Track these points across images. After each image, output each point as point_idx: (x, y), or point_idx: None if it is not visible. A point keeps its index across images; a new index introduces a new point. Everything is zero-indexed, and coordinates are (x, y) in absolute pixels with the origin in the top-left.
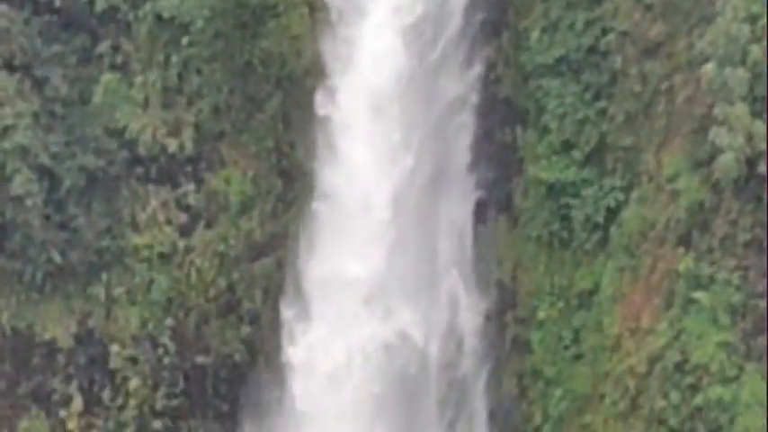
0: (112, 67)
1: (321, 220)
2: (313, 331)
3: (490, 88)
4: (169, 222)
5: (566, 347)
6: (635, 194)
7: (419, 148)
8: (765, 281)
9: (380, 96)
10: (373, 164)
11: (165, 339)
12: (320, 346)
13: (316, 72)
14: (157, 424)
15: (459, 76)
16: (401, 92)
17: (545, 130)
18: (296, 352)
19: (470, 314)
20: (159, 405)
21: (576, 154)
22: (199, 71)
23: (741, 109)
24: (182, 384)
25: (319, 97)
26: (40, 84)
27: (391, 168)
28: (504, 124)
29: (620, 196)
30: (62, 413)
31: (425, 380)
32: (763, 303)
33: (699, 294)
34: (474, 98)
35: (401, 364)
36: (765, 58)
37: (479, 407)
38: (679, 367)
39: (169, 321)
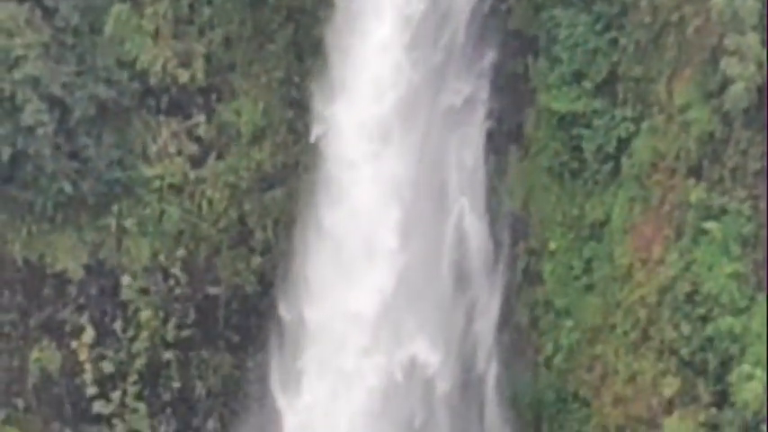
0: None
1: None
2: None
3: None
4: (180, 153)
5: (576, 278)
6: (646, 125)
7: None
8: None
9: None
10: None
11: (177, 270)
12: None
13: (326, 3)
14: (168, 355)
15: None
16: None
17: (556, 61)
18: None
19: (481, 245)
20: (170, 336)
21: (588, 84)
22: (209, 2)
23: (752, 39)
24: (193, 315)
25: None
26: (50, 14)
27: None
28: (515, 55)
29: (631, 127)
30: (73, 344)
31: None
32: None
33: (709, 225)
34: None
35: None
36: None
37: (491, 339)
38: (690, 298)
39: (180, 252)
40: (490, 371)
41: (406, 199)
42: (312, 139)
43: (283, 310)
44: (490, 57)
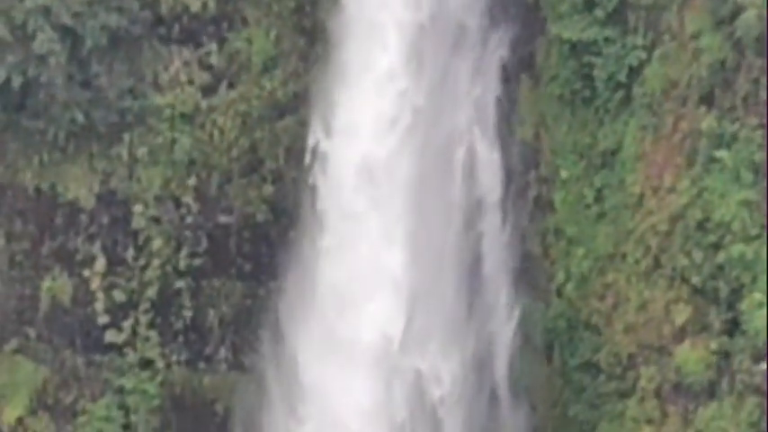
0: None
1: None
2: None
3: None
4: (191, 82)
5: (588, 206)
6: (657, 53)
7: None
8: None
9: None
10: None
11: (188, 199)
12: None
13: None
14: (180, 283)
15: None
16: None
17: None
18: None
19: (492, 174)
20: (182, 265)
21: (599, 12)
22: None
23: None
24: (204, 244)
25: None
26: None
27: None
28: None
29: (643, 55)
30: (85, 273)
31: None
32: None
33: (721, 153)
34: None
35: None
36: None
37: (502, 267)
38: (701, 226)
39: (192, 181)
40: (501, 299)
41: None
42: None
43: (295, 238)
44: None
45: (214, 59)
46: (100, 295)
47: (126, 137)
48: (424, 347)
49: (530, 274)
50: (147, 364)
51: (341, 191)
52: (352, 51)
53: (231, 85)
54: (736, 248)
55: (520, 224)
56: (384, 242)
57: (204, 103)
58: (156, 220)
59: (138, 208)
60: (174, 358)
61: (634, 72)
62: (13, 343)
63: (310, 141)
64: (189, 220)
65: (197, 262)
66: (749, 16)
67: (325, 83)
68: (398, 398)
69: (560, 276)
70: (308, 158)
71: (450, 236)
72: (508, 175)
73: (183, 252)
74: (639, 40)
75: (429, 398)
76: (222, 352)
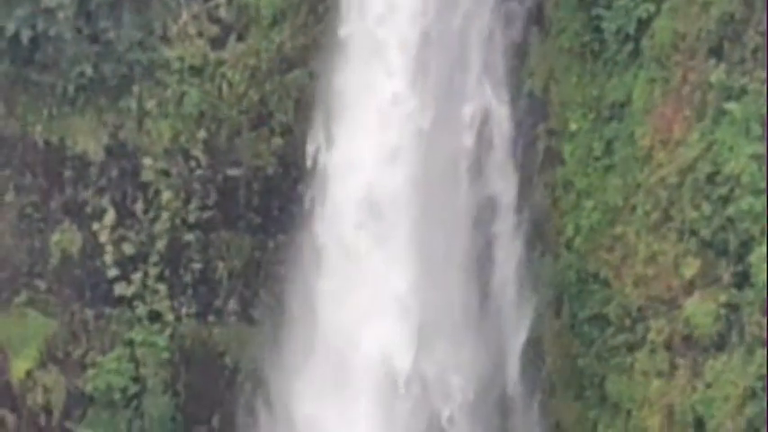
0: None
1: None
2: None
3: None
4: (200, 35)
5: (597, 159)
6: (666, 5)
7: None
8: None
9: None
10: None
11: (197, 152)
12: None
13: None
14: (189, 236)
15: None
16: None
17: None
18: None
19: (502, 127)
20: (191, 218)
21: None
22: None
23: None
24: (214, 197)
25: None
26: None
27: None
28: None
29: (652, 7)
30: (94, 226)
31: None
32: None
33: (730, 105)
34: None
35: None
36: None
37: (511, 221)
38: (710, 179)
39: (201, 134)
40: (511, 252)
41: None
42: None
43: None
44: None
45: (223, 12)
46: (109, 248)
47: (135, 90)
48: (431, 359)
49: (538, 226)
50: (156, 316)
51: (342, 226)
52: (352, 77)
53: (240, 38)
54: (746, 201)
55: (528, 177)
56: (389, 270)
57: (213, 56)
58: (166, 173)
59: (147, 161)
60: (183, 311)
61: (643, 25)
62: (23, 296)
63: (310, 148)
64: (198, 173)
65: (206, 215)
66: None
67: (324, 104)
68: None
69: (569, 229)
70: (309, 162)
71: (459, 236)
72: (517, 128)
73: (193, 205)
74: None
75: (437, 416)
76: (231, 305)
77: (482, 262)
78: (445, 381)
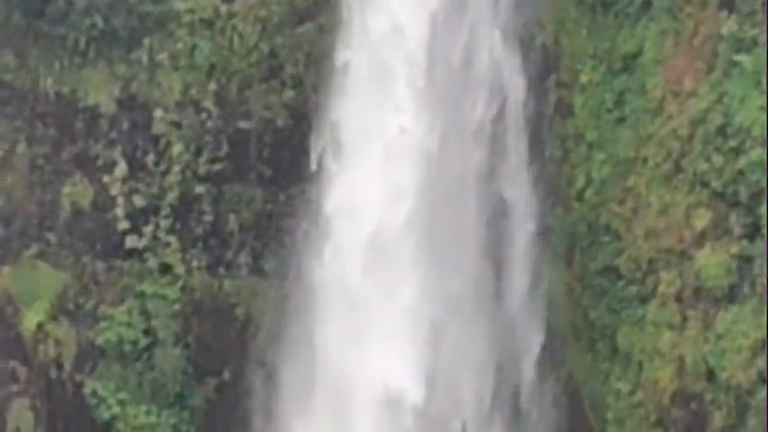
0: None
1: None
2: None
3: None
4: None
5: (608, 111)
6: None
7: None
8: None
9: None
10: None
11: (209, 104)
12: None
13: None
14: (200, 188)
15: None
16: None
17: None
18: None
19: (513, 79)
20: (202, 170)
21: None
22: None
23: None
24: (225, 149)
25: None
26: None
27: None
28: None
29: None
30: (105, 179)
31: None
32: None
33: (741, 57)
34: None
35: None
36: None
37: (522, 171)
38: (721, 130)
39: (212, 86)
40: (521, 203)
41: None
42: None
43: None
44: None
45: None
46: (120, 201)
47: (146, 42)
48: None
49: (550, 178)
50: (167, 269)
51: (346, 274)
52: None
53: None
54: (756, 153)
55: (540, 129)
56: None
57: (224, 9)
58: (177, 126)
59: (158, 113)
60: (194, 264)
61: None
62: (33, 249)
63: (313, 155)
64: (209, 125)
65: (217, 167)
66: None
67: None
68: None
69: (580, 181)
70: (313, 165)
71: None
72: (528, 80)
73: (204, 157)
74: None
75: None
76: (242, 257)
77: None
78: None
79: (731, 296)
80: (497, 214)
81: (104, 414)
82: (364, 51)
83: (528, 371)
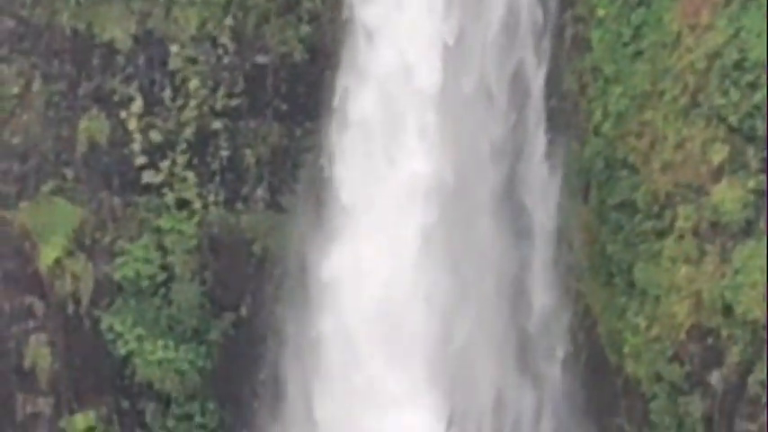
0: None
1: None
2: None
3: None
4: None
5: (625, 45)
6: None
7: None
8: None
9: None
10: None
11: (225, 39)
12: None
13: None
14: (217, 124)
15: None
16: None
17: None
18: None
19: (530, 13)
20: (219, 105)
21: None
22: None
23: None
24: (241, 84)
25: None
26: None
27: None
28: None
29: None
30: (122, 114)
31: None
32: None
33: None
34: None
35: None
36: None
37: (539, 106)
38: (738, 65)
39: (228, 21)
40: (539, 137)
41: None
42: None
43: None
44: None
45: None
46: (137, 136)
47: None
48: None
49: (566, 113)
50: (184, 204)
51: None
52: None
53: None
54: None
55: (556, 63)
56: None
57: None
58: (193, 61)
59: (174, 48)
60: (211, 199)
61: None
62: (50, 184)
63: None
64: (225, 60)
65: (234, 102)
66: None
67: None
68: None
69: (597, 115)
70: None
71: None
72: (545, 14)
73: (220, 92)
74: None
75: None
76: (259, 192)
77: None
78: None
79: (748, 230)
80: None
81: (121, 349)
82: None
83: (541, 309)
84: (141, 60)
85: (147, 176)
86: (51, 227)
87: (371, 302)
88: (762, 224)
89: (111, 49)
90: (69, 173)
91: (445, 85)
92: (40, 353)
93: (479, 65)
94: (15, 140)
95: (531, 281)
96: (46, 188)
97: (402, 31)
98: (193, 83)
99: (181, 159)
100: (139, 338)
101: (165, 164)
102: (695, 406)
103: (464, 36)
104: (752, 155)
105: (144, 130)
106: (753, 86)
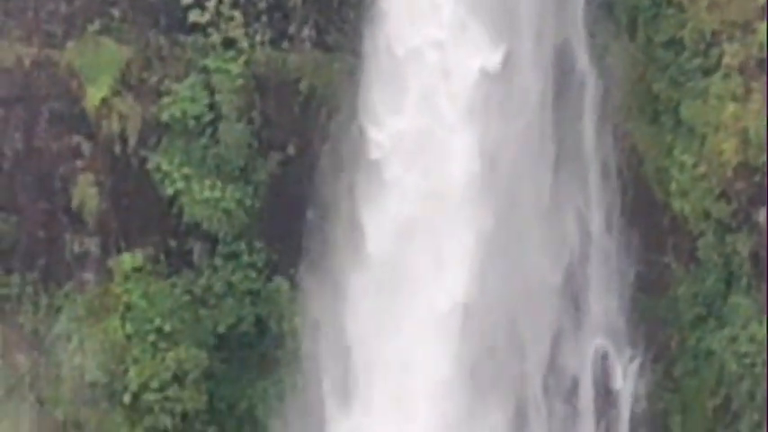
0: None
1: None
2: None
3: None
4: None
5: None
6: None
7: None
8: None
9: None
10: None
11: None
12: None
13: None
14: None
15: None
16: None
17: None
18: None
19: None
20: None
21: None
22: None
23: None
24: None
25: None
26: None
27: None
28: None
29: None
30: None
31: None
32: None
33: None
34: None
35: None
36: None
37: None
38: None
39: None
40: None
41: None
42: None
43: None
44: None
45: None
46: None
47: None
48: None
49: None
50: (230, 43)
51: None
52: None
53: None
54: None
55: None
56: None
57: None
58: None
59: None
60: (257, 38)
61: None
62: (97, 24)
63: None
64: None
65: None
66: None
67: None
68: None
69: None
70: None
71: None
72: None
73: None
74: None
75: None
76: (306, 31)
77: None
78: None
79: None
80: None
81: (168, 189)
82: None
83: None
84: None
85: (194, 15)
86: (98, 66)
87: None
88: None
89: None
90: (116, 12)
91: None
92: (87, 192)
93: None
94: None
95: None
96: (92, 28)
97: None
98: None
99: None
100: (186, 178)
101: (211, 3)
102: (742, 243)
103: None
104: None
105: None
106: None
